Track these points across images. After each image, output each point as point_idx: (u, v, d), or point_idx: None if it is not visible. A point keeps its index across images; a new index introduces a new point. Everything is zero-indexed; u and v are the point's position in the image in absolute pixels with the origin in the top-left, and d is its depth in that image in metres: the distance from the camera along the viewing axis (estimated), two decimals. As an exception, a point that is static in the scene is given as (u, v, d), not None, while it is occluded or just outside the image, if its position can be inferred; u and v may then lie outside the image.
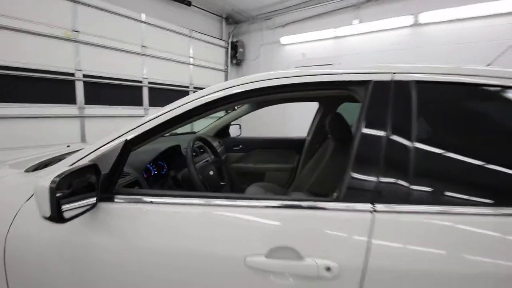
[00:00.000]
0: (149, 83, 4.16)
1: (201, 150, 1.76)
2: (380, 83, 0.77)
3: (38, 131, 2.96)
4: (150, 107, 4.19)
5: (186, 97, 0.87)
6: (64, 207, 0.65)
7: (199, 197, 0.79)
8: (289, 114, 4.88)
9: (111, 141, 0.84)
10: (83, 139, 3.38)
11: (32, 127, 2.93)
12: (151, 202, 0.79)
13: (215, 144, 2.16)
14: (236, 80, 0.86)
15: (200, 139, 1.30)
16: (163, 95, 4.36)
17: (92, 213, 0.79)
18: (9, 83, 2.74)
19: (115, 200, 0.81)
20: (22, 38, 2.77)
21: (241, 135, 2.54)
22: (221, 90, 0.84)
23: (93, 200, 0.77)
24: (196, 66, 4.94)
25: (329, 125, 1.56)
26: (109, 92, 3.65)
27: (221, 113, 2.37)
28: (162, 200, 0.79)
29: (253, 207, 0.74)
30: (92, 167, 0.77)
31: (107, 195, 0.81)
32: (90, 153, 0.84)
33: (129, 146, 0.85)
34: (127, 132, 0.85)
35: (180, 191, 0.82)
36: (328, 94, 0.90)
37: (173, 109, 0.85)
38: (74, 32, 3.20)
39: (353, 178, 0.70)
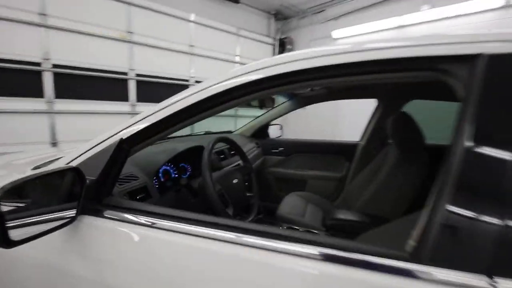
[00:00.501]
0: (196, 81, 4.20)
1: (232, 152, 1.55)
2: (498, 58, 0.44)
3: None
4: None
5: (199, 84, 0.66)
6: (13, 224, 0.49)
7: (204, 224, 0.55)
8: (342, 113, 4.41)
9: (102, 142, 0.68)
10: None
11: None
12: (151, 226, 0.59)
13: (251, 146, 1.94)
14: (261, 62, 0.61)
15: (224, 140, 1.09)
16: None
17: (74, 229, 0.64)
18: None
19: (105, 214, 0.64)
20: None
21: (282, 137, 2.28)
22: (238, 76, 0.61)
23: (72, 213, 0.61)
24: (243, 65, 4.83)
25: (391, 128, 1.20)
26: (157, 89, 3.74)
27: (258, 111, 2.15)
28: (167, 224, 0.57)
29: (266, 249, 0.48)
30: (72, 171, 0.61)
31: (95, 207, 0.65)
32: (81, 155, 0.69)
33: (125, 146, 0.67)
34: (122, 130, 0.68)
35: (186, 212, 0.58)
36: (398, 79, 0.57)
37: (182, 99, 0.64)
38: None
39: (450, 222, 0.39)
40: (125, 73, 3.40)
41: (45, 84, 2.81)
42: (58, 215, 0.60)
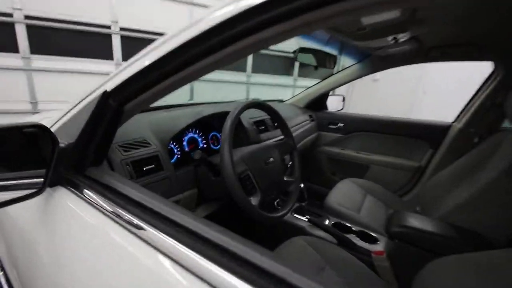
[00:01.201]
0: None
1: (275, 124, 1.28)
2: None
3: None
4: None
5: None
6: None
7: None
8: (429, 85, 3.53)
9: (84, 98, 0.52)
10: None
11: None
12: (121, 224, 0.41)
13: (303, 118, 1.63)
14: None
15: (258, 105, 0.83)
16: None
17: (44, 201, 0.51)
18: None
19: (82, 189, 0.48)
20: None
21: (343, 110, 1.88)
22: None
23: (38, 183, 0.47)
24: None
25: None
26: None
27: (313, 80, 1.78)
28: (145, 230, 0.38)
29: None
30: (39, 129, 0.46)
31: (73, 178, 0.51)
32: (62, 117, 0.54)
33: (112, 102, 0.49)
34: (106, 82, 0.50)
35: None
36: None
37: (175, 35, 0.41)
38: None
39: None
40: (108, 27, 2.93)
41: (19, 38, 2.55)
42: (28, 181, 0.48)
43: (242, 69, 3.98)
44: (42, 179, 0.46)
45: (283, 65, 4.40)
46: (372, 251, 0.91)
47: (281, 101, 1.86)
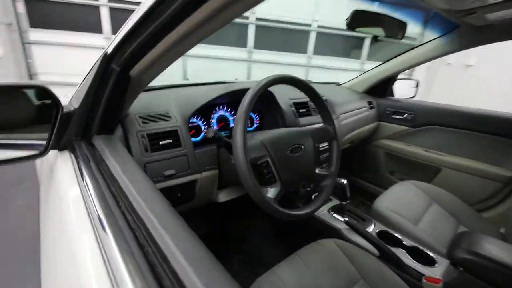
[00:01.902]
0: (319, 27, 3.61)
1: (306, 112, 1.07)
2: None
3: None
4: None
5: None
6: None
7: None
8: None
9: (93, 65, 0.50)
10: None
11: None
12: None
13: (359, 105, 1.40)
14: None
15: (289, 80, 0.68)
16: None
17: (48, 163, 0.52)
18: None
19: (79, 157, 0.47)
20: None
21: (414, 98, 1.55)
22: None
23: (40, 146, 0.47)
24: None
25: None
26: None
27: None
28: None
29: None
30: (40, 91, 0.45)
31: (76, 145, 0.50)
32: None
33: (115, 66, 0.46)
34: (108, 46, 0.47)
35: None
36: None
37: None
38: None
39: None
40: None
41: (17, 10, 2.70)
42: (36, 142, 0.49)
43: (302, 50, 3.73)
44: (39, 143, 0.46)
45: (350, 46, 3.96)
46: (424, 275, 0.72)
47: (337, 84, 1.64)
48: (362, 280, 0.68)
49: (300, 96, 1.04)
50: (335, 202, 1.05)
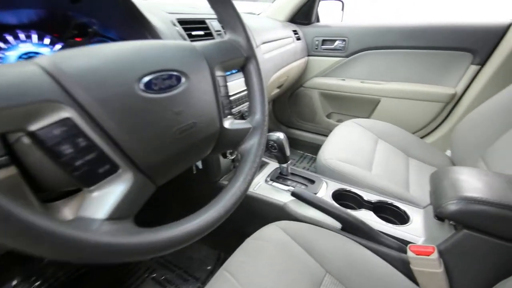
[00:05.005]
0: None
1: (205, 35, 0.65)
2: None
3: None
4: None
5: None
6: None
7: None
8: None
9: None
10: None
11: None
12: None
13: (282, 34, 1.08)
14: None
15: None
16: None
17: None
18: None
19: None
20: None
21: (342, 22, 1.32)
22: None
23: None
24: None
25: None
26: None
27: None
28: None
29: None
30: None
31: None
32: None
33: None
34: None
35: None
36: None
37: None
38: None
39: None
40: None
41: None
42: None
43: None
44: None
45: None
46: (409, 245, 0.49)
47: (253, 14, 1.27)
48: (328, 275, 0.46)
49: (189, 11, 0.65)
50: (272, 166, 0.77)
